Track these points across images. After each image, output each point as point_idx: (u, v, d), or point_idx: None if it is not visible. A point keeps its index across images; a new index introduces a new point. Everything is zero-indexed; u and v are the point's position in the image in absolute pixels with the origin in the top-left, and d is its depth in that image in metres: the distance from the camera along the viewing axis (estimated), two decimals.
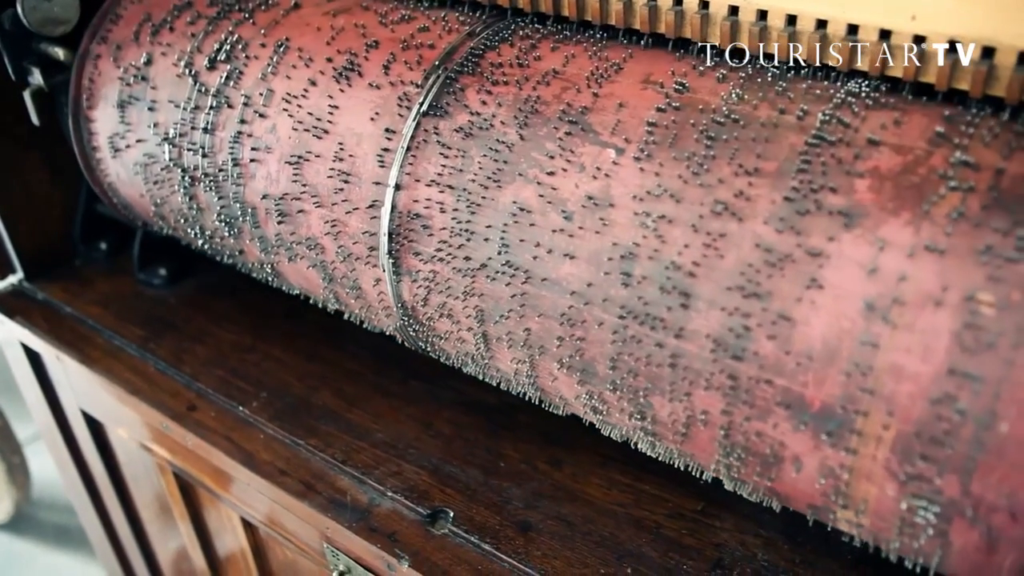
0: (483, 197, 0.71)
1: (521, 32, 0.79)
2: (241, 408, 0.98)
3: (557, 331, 0.69)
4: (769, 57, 0.72)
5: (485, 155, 0.71)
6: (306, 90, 0.82)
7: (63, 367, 1.15)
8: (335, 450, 0.91)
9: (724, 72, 0.69)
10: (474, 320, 0.75)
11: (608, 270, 0.65)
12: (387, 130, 0.77)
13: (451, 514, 0.82)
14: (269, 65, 0.86)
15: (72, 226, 1.26)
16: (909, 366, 0.55)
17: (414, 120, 0.75)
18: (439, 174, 0.73)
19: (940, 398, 0.54)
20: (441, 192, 0.73)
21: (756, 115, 0.64)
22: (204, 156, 0.89)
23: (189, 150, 0.90)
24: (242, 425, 0.96)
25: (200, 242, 0.98)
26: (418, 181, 0.74)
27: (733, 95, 0.66)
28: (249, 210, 0.87)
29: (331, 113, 0.80)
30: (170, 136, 0.91)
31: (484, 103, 0.73)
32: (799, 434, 0.60)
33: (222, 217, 0.90)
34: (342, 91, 0.80)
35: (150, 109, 0.93)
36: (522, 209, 0.69)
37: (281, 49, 0.86)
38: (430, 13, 0.85)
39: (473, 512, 0.82)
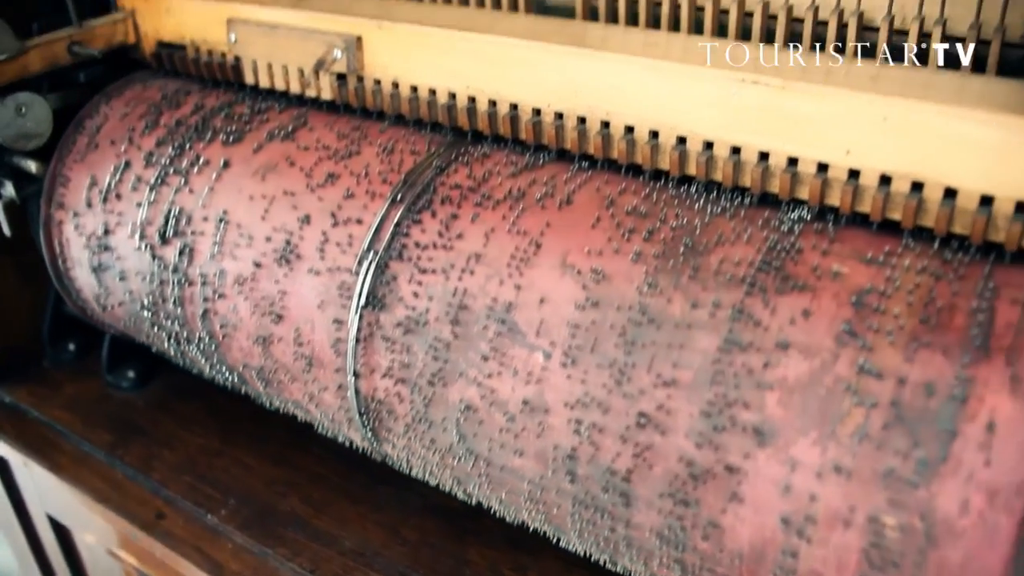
0: (433, 393, 0.75)
1: (442, 193, 0.79)
2: (209, 516, 1.01)
3: (525, 504, 0.76)
4: (716, 184, 0.74)
5: (427, 352, 0.75)
6: (254, 274, 0.85)
7: (30, 472, 1.16)
8: (303, 559, 0.94)
9: (639, 248, 0.69)
10: (454, 482, 0.81)
11: (555, 468, 0.70)
12: (335, 320, 0.80)
13: None
14: (215, 243, 0.88)
15: (40, 327, 1.27)
16: (827, 574, 0.60)
17: (356, 313, 0.78)
18: (390, 368, 0.77)
19: None
20: (396, 384, 0.77)
21: (670, 312, 0.66)
22: (181, 326, 0.94)
23: (167, 319, 0.95)
24: (211, 534, 0.99)
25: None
26: (373, 372, 0.79)
27: (647, 284, 0.67)
28: (236, 372, 0.93)
29: (281, 298, 0.83)
30: (146, 304, 0.96)
31: (416, 295, 0.75)
32: None
33: (215, 371, 0.97)
34: (286, 276, 0.83)
35: (121, 279, 0.97)
36: (468, 408, 0.73)
37: (222, 225, 0.88)
38: (351, 164, 0.85)
39: None
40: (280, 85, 0.99)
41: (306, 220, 0.83)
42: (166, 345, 0.99)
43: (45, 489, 1.19)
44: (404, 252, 0.77)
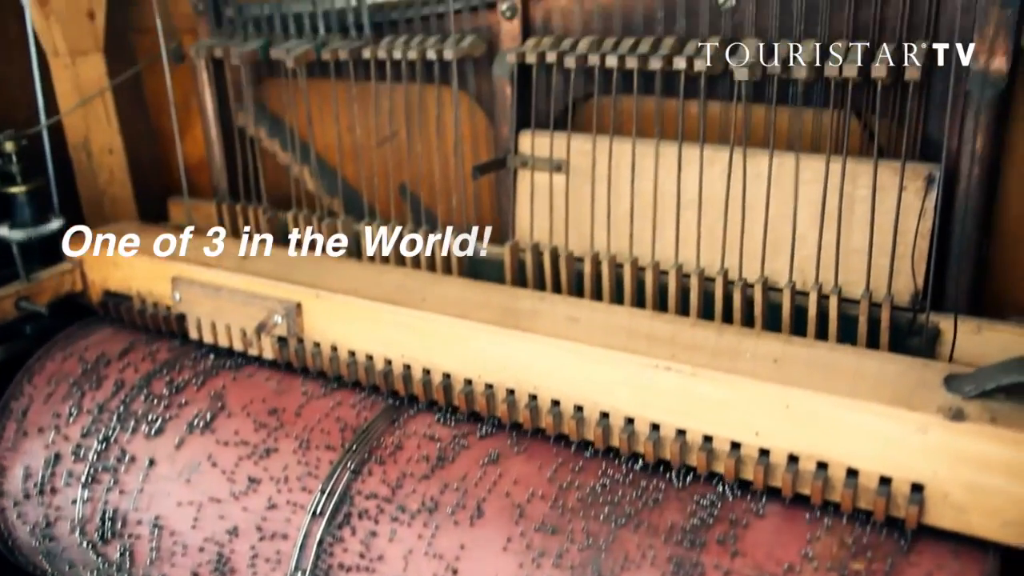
0: None
1: (359, 505, 0.80)
2: None
3: None
4: (637, 456, 0.78)
5: None
6: None
7: None
8: None
9: None
10: None
11: None
12: None
13: None
14: (152, 548, 0.89)
15: None
16: None
17: None
18: None
19: None
20: None
21: None
22: None
23: None
24: None
25: None
26: None
27: None
28: None
29: None
30: None
31: None
32: None
33: None
34: None
35: (71, 567, 0.99)
36: None
37: (156, 531, 0.89)
38: (270, 467, 0.86)
39: None
40: (223, 343, 1.02)
41: (234, 532, 0.85)
42: None
43: None
44: (330, 574, 0.79)
